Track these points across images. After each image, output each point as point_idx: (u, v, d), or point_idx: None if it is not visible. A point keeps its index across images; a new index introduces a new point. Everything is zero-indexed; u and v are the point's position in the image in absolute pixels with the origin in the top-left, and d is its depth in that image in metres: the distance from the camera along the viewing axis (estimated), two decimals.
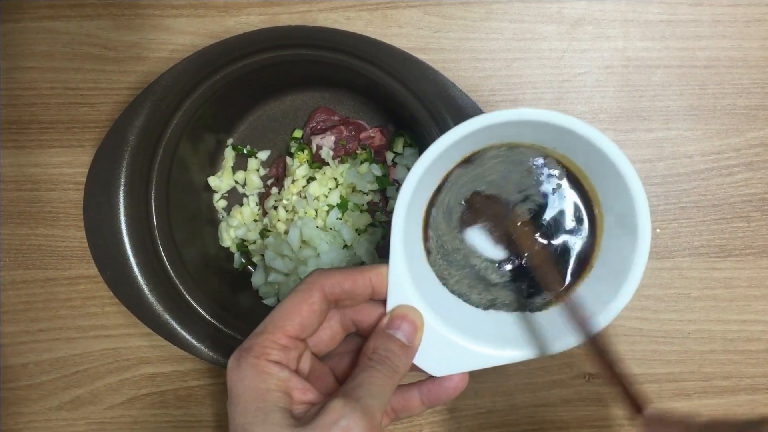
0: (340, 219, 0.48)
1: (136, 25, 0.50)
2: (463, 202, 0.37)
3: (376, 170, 0.49)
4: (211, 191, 0.51)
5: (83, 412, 0.50)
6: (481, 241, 0.38)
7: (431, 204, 0.37)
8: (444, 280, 0.38)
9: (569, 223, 0.37)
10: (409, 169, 0.42)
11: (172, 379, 0.50)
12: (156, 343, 0.50)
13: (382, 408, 0.31)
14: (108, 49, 0.50)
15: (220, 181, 0.50)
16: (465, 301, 0.38)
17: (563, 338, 0.35)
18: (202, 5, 0.50)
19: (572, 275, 0.37)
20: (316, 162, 0.50)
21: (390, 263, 0.34)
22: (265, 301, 0.49)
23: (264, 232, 0.49)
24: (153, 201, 0.45)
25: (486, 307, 0.38)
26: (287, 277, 0.48)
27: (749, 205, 0.49)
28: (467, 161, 0.36)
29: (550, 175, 0.37)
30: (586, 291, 0.37)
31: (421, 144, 0.48)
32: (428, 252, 0.37)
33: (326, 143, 0.49)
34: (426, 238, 0.37)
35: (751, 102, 0.49)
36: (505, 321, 0.37)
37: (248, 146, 0.51)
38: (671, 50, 0.49)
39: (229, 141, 0.50)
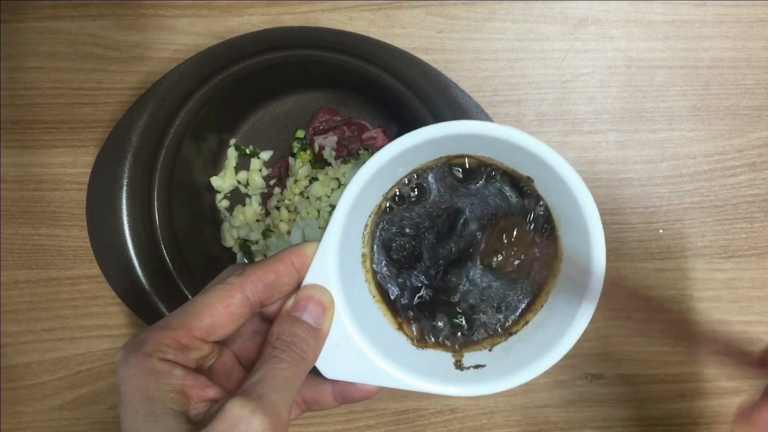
0: None
1: (139, 25, 0.51)
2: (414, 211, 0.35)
3: None
4: (213, 191, 0.51)
5: (86, 411, 0.50)
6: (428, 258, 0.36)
7: (386, 202, 0.35)
8: (375, 286, 0.35)
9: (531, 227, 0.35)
10: None
11: None
12: None
13: (288, 402, 0.28)
14: (111, 49, 0.50)
15: (223, 182, 0.50)
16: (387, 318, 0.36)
17: (483, 383, 0.33)
18: (205, 5, 0.50)
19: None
20: (319, 162, 0.50)
21: (321, 242, 0.32)
22: None
23: (266, 233, 0.49)
24: (156, 201, 0.45)
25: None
26: None
27: (752, 206, 0.49)
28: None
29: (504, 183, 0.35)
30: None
31: None
32: (368, 252, 0.35)
33: (328, 143, 0.49)
34: (371, 241, 0.35)
35: (754, 103, 0.49)
36: (424, 352, 0.35)
37: (251, 146, 0.51)
38: (674, 51, 0.49)
39: (232, 141, 0.50)
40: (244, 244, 0.50)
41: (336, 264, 0.32)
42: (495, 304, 0.36)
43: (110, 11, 0.50)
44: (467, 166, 0.35)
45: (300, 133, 0.50)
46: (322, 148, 0.49)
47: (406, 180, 0.35)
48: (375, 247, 0.36)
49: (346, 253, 0.33)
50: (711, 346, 0.30)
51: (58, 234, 0.51)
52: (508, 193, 0.35)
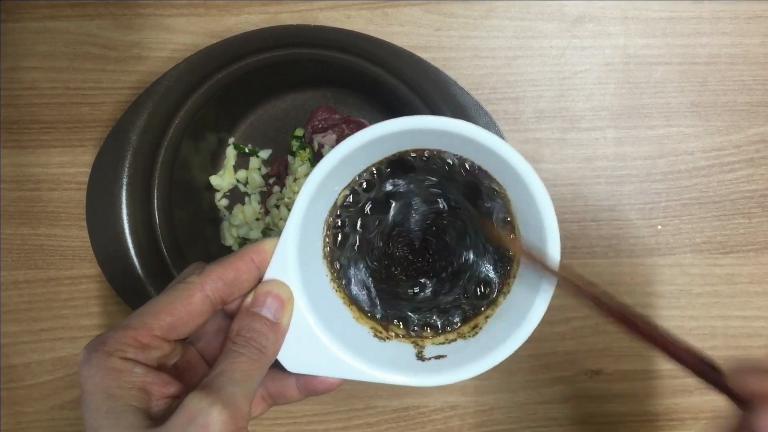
0: None
1: (136, 24, 0.50)
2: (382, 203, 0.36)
3: None
4: (212, 190, 0.51)
5: None
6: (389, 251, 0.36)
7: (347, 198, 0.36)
8: (335, 280, 0.36)
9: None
10: None
11: None
12: None
13: (248, 396, 0.29)
14: (109, 48, 0.50)
15: (222, 180, 0.50)
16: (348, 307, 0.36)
17: (444, 373, 0.33)
18: (202, 5, 0.50)
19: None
20: (318, 160, 0.50)
21: (281, 238, 0.32)
22: None
23: (266, 231, 0.49)
24: (155, 200, 0.45)
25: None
26: None
27: (750, 202, 0.49)
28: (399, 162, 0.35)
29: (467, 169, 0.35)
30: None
31: None
32: (328, 246, 0.35)
33: (327, 142, 0.49)
34: (331, 235, 0.35)
35: (751, 98, 0.49)
36: (386, 344, 0.36)
37: (250, 145, 0.51)
38: (672, 47, 0.49)
39: (231, 140, 0.50)
40: (244, 243, 0.50)
41: (296, 259, 0.33)
42: (457, 297, 0.36)
43: (108, 11, 0.50)
44: (424, 159, 0.35)
45: (299, 132, 0.50)
46: (321, 146, 0.49)
47: (365, 174, 0.35)
48: (335, 241, 0.36)
49: (307, 249, 0.34)
50: (668, 351, 0.30)
51: (57, 234, 0.51)
52: (466, 186, 0.35)
